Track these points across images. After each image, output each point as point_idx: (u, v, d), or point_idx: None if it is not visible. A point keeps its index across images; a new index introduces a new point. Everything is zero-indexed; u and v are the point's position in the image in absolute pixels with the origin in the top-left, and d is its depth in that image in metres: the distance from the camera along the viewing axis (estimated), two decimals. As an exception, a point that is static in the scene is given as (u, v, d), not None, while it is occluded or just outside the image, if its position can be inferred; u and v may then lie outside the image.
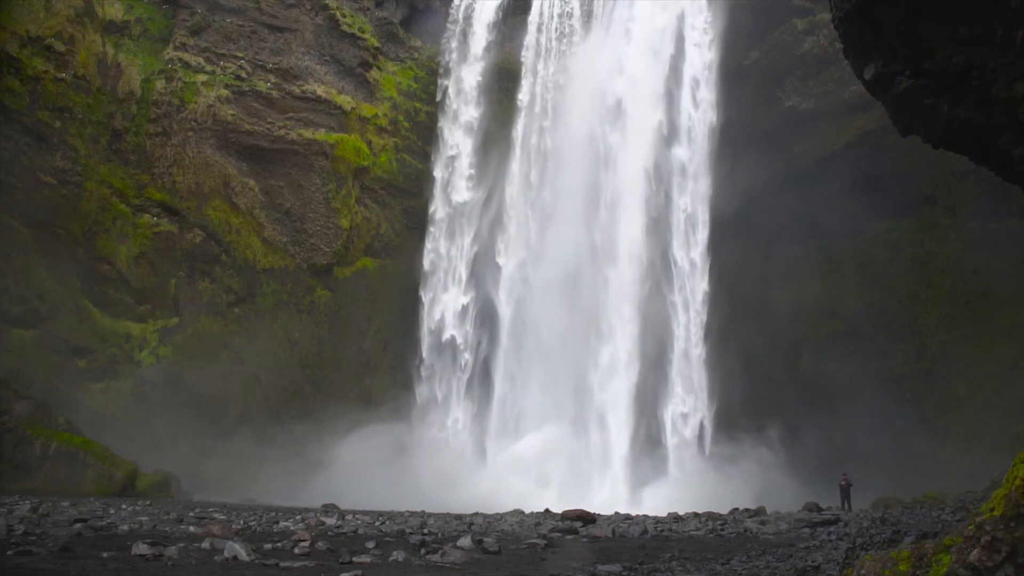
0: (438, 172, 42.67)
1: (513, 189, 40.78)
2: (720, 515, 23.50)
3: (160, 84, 39.81)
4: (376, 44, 43.73)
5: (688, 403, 35.81)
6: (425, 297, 41.45)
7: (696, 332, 36.37)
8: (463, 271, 41.11)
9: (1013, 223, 31.66)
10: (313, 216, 41.01)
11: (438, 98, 43.59)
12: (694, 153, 37.64)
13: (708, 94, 38.05)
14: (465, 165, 42.31)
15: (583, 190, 37.93)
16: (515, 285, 39.62)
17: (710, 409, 35.48)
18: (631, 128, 37.75)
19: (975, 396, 33.10)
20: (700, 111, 37.94)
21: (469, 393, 39.77)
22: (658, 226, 37.06)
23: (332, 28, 42.55)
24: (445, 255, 41.55)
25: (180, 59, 40.39)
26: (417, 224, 42.70)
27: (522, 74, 41.95)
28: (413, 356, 41.01)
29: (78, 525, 16.23)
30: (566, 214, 38.26)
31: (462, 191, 42.06)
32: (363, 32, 43.20)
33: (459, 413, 39.57)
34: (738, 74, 38.20)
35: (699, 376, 35.90)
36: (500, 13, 43.47)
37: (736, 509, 25.23)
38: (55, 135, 36.59)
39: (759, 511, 24.58)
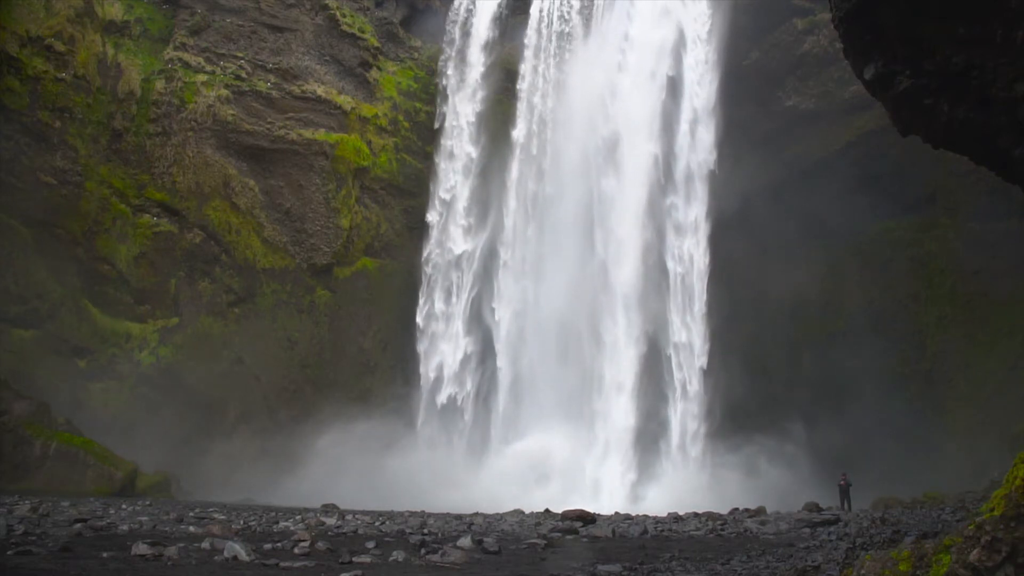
0: (432, 216, 41.81)
1: (507, 238, 40.08)
2: (720, 515, 23.49)
3: (160, 84, 39.82)
4: (376, 44, 43.74)
5: (688, 403, 35.81)
6: (420, 347, 40.78)
7: (696, 332, 36.35)
8: (460, 328, 40.14)
9: (1013, 223, 31.64)
10: (313, 216, 41.01)
11: (436, 124, 42.86)
12: (691, 199, 37.13)
13: (707, 134, 37.48)
14: (461, 211, 41.40)
15: (579, 236, 37.55)
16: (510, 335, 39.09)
17: (710, 409, 35.46)
18: (626, 168, 37.34)
19: (975, 396, 33.09)
20: (699, 154, 37.37)
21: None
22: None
23: (332, 28, 42.56)
24: (442, 316, 40.59)
25: (180, 59, 40.40)
26: (417, 224, 42.69)
27: (518, 112, 41.29)
28: (412, 365, 40.90)
29: (78, 525, 16.22)
30: (562, 266, 37.68)
31: (458, 241, 41.20)
32: (363, 32, 43.21)
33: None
34: (738, 74, 38.19)
35: (699, 376, 35.90)
36: (500, 13, 43.47)
37: (736, 509, 25.23)
38: (55, 135, 36.59)
39: (759, 511, 24.59)
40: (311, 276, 41.01)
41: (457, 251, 41.11)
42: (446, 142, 42.57)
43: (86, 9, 38.09)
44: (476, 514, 24.23)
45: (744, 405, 35.08)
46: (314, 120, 41.38)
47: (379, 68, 43.60)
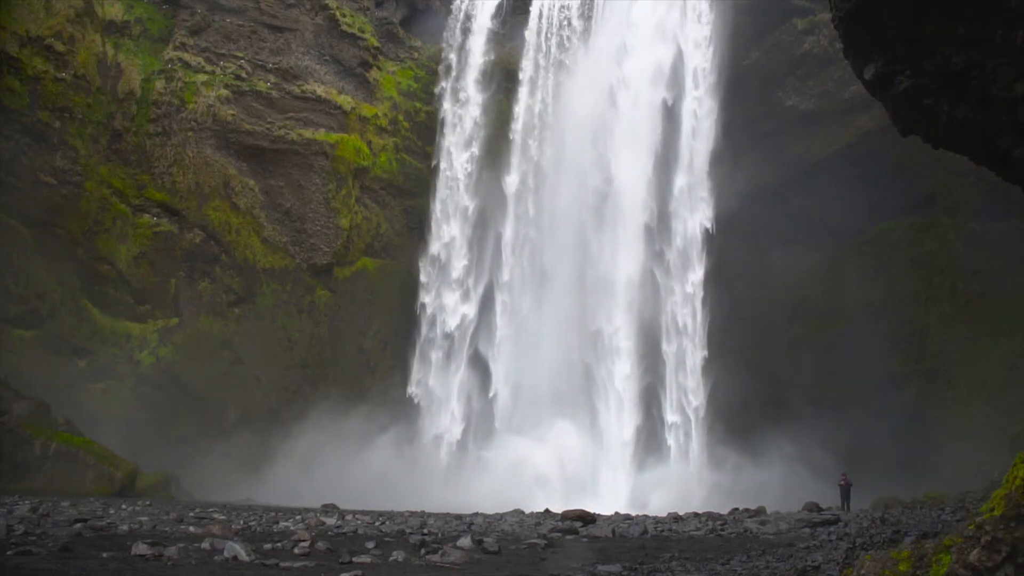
0: (425, 275, 41.03)
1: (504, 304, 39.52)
2: (720, 515, 23.50)
3: (160, 84, 39.81)
4: (376, 44, 43.73)
5: (688, 403, 35.83)
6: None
7: (696, 332, 36.37)
8: (455, 404, 39.35)
9: (1013, 223, 31.64)
10: (313, 216, 40.99)
11: (433, 162, 42.30)
12: (688, 252, 36.79)
13: (702, 193, 37.10)
14: (460, 270, 40.53)
15: (574, 282, 37.31)
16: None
17: (710, 409, 35.48)
18: (620, 224, 37.05)
19: (975, 396, 33.09)
20: (695, 212, 37.01)
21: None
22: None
23: (332, 28, 42.55)
24: (438, 387, 39.78)
25: (180, 59, 40.39)
26: (417, 224, 42.67)
27: (512, 157, 40.78)
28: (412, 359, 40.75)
29: (78, 525, 16.22)
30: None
31: (455, 313, 40.22)
32: (363, 32, 43.19)
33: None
34: (738, 74, 38.18)
35: (699, 376, 35.91)
36: (500, 12, 43.47)
37: (736, 509, 25.24)
38: (55, 135, 36.58)
39: (759, 511, 24.60)
40: (311, 276, 41.00)
41: (454, 323, 40.19)
42: (446, 141, 42.47)
43: (86, 9, 38.09)
44: (476, 514, 24.24)
45: (744, 405, 35.06)
46: (314, 120, 41.36)
47: (379, 68, 43.59)
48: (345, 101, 41.96)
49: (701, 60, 37.89)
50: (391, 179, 42.92)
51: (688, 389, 35.94)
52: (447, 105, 42.66)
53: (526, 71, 41.60)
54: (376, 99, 43.09)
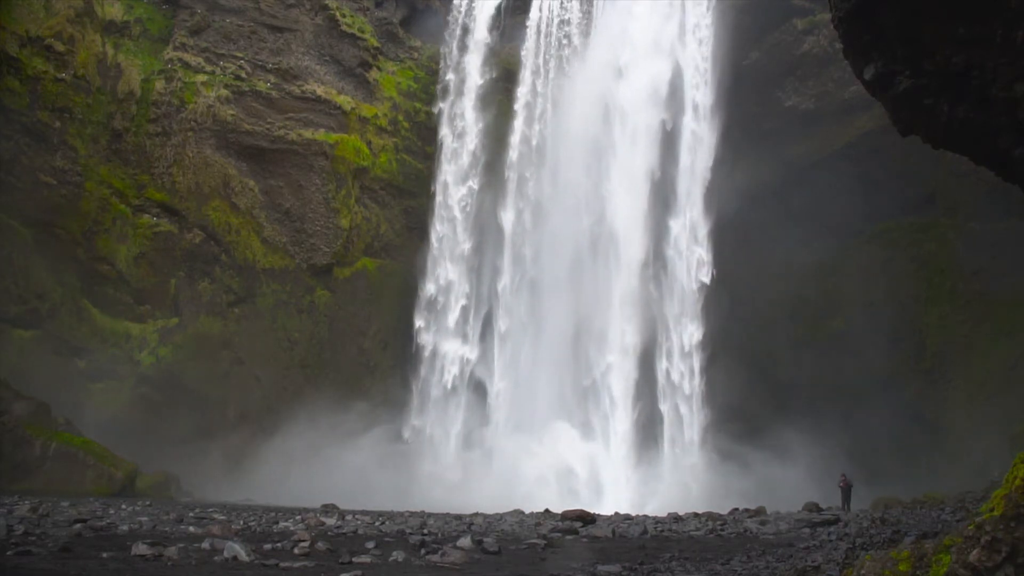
0: (421, 319, 40.47)
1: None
2: (720, 515, 23.50)
3: (160, 84, 39.81)
4: (376, 44, 43.72)
5: (688, 404, 35.82)
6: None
7: (696, 332, 36.37)
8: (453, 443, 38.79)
9: (1013, 223, 31.65)
10: (313, 216, 40.99)
11: (431, 189, 42.05)
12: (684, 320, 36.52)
13: (698, 222, 36.90)
14: (458, 312, 40.00)
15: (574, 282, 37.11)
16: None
17: (710, 409, 35.48)
18: (617, 256, 36.73)
19: (975, 396, 33.09)
20: (689, 233, 36.84)
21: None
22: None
23: (332, 28, 42.55)
24: (438, 432, 39.04)
25: (180, 59, 40.39)
26: (417, 224, 42.66)
27: (508, 193, 40.38)
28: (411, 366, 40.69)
29: (78, 525, 16.22)
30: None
31: (455, 361, 39.69)
32: (363, 32, 43.18)
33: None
34: (738, 74, 38.18)
35: (699, 376, 35.91)
36: (500, 13, 43.42)
37: (736, 509, 25.24)
38: (55, 135, 36.58)
39: (759, 511, 24.59)
40: (311, 276, 41.00)
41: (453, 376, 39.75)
42: (443, 172, 42.14)
43: (86, 9, 38.09)
44: (476, 514, 24.24)
45: (744, 405, 35.08)
46: (314, 120, 41.36)
47: (379, 68, 43.58)
48: (345, 101, 41.96)
49: (701, 81, 37.61)
50: (391, 179, 42.91)
51: (688, 388, 35.91)
52: (445, 129, 42.35)
53: (521, 99, 41.16)
54: (376, 99, 43.09)
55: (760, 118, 38.97)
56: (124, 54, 39.70)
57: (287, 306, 40.43)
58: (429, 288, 40.65)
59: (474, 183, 41.48)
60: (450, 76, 43.34)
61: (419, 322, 40.34)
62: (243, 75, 41.01)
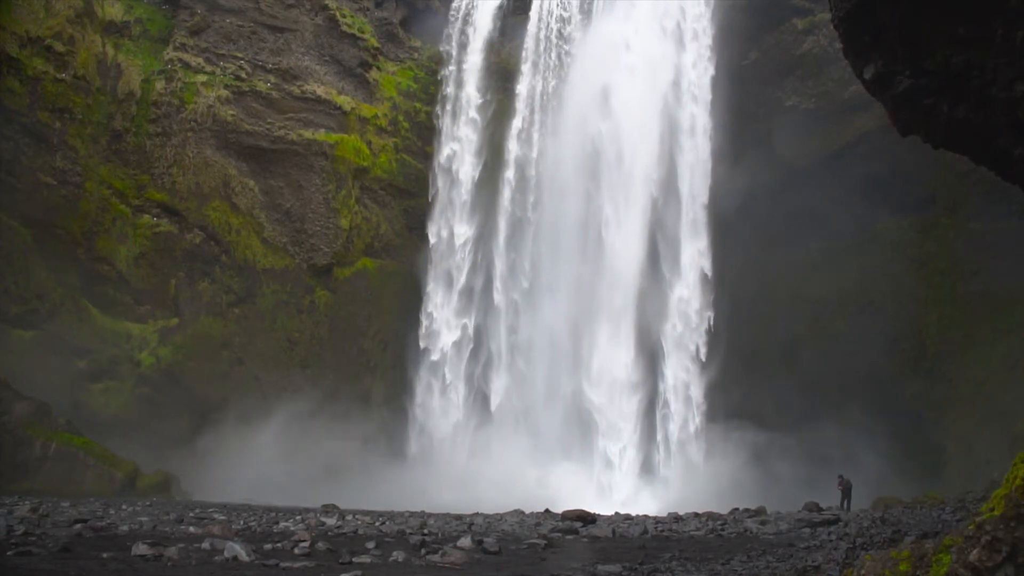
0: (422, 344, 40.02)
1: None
2: (720, 515, 23.51)
3: (160, 84, 39.80)
4: (376, 44, 43.71)
5: (688, 403, 35.82)
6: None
7: (696, 332, 36.37)
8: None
9: (1013, 223, 31.66)
10: (313, 216, 40.99)
11: (429, 197, 41.96)
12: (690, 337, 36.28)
13: (698, 221, 36.86)
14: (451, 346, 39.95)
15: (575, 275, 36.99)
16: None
17: (710, 409, 35.48)
18: (616, 256, 36.60)
19: (975, 396, 33.08)
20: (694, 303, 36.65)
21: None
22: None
23: (332, 28, 42.54)
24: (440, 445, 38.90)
25: (180, 59, 40.38)
26: (417, 224, 42.66)
27: (508, 192, 40.34)
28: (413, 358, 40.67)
29: (78, 525, 16.24)
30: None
31: (457, 382, 39.39)
32: (363, 32, 43.17)
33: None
34: (738, 74, 38.18)
35: (699, 377, 35.91)
36: (500, 12, 43.42)
37: (736, 509, 25.23)
38: (55, 135, 36.58)
39: (759, 511, 24.59)
40: (311, 276, 40.99)
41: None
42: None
43: (86, 9, 38.08)
44: (476, 514, 24.26)
45: (744, 405, 35.07)
46: (314, 120, 41.35)
47: (379, 68, 43.57)
48: (345, 101, 41.95)
49: (700, 81, 37.47)
50: (391, 179, 42.91)
51: (688, 388, 35.92)
52: (445, 129, 42.15)
53: (521, 99, 41.01)
54: (376, 99, 43.08)
55: (760, 118, 38.97)
56: (124, 54, 39.69)
57: (287, 306, 40.43)
58: (431, 287, 40.63)
59: (474, 182, 41.49)
60: (450, 76, 43.35)
61: (422, 342, 40.20)
62: (243, 75, 41.00)
